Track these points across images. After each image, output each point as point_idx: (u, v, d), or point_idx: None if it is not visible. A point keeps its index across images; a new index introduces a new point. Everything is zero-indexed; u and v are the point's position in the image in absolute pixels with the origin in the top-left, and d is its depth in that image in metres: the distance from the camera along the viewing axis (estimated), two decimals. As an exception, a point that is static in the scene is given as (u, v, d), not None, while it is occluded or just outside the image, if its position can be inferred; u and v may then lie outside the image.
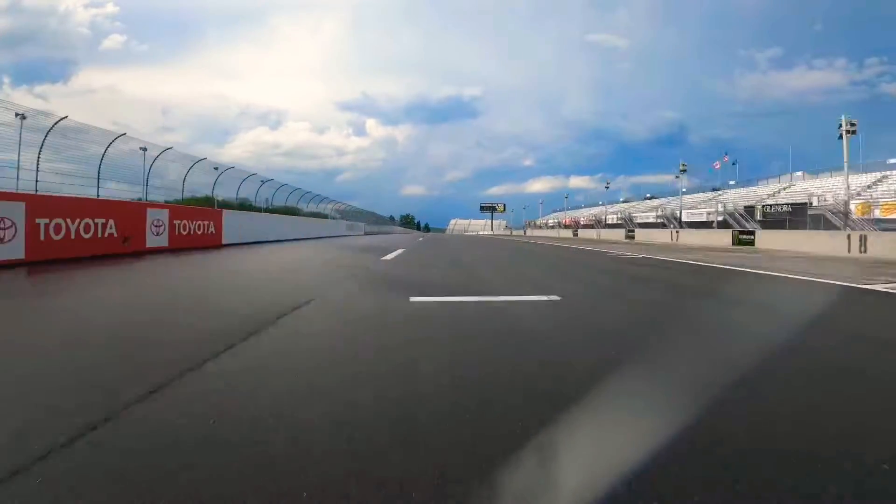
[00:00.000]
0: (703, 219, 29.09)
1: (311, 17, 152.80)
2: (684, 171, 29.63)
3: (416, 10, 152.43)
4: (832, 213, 22.21)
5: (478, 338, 1.89)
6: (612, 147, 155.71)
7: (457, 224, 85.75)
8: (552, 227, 48.14)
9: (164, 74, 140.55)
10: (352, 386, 1.29)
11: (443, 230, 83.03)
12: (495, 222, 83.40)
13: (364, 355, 1.64)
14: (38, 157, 7.00)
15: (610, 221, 38.69)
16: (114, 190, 8.33)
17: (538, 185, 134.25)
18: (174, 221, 7.83)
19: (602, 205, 47.03)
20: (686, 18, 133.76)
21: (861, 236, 10.65)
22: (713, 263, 6.34)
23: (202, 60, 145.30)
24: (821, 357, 1.69)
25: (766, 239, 14.64)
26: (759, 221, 25.72)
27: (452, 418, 1.07)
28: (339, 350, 1.71)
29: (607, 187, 42.95)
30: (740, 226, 25.75)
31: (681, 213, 30.23)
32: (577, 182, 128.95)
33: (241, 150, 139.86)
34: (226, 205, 12.21)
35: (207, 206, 10.53)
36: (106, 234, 6.23)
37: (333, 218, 24.46)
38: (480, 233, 62.46)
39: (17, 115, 6.65)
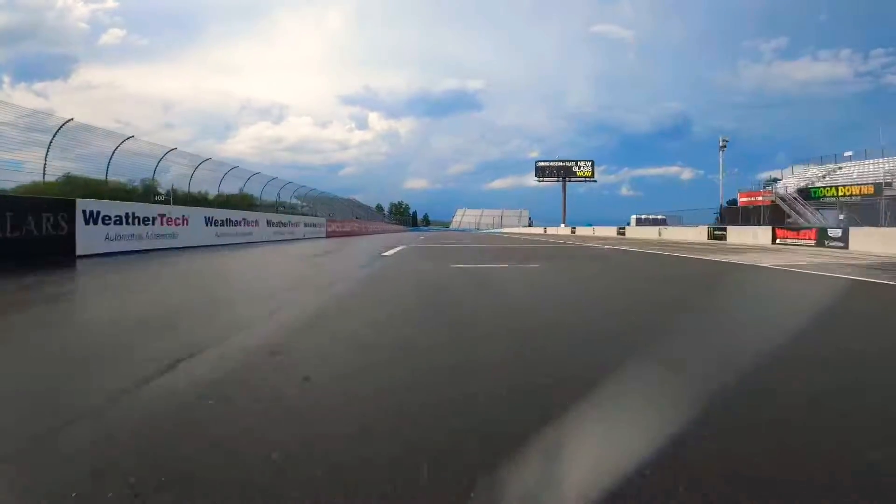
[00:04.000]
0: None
1: (313, 10, 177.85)
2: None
3: (418, 1, 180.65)
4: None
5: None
6: (615, 139, 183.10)
7: (465, 215, 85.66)
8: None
9: (164, 70, 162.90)
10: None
11: (447, 224, 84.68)
12: (506, 215, 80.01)
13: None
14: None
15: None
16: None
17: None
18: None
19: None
20: (691, 8, 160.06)
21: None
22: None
23: (203, 55, 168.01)
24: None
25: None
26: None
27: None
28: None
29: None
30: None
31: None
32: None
33: (244, 145, 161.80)
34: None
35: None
36: None
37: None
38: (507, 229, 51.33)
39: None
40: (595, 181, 61.19)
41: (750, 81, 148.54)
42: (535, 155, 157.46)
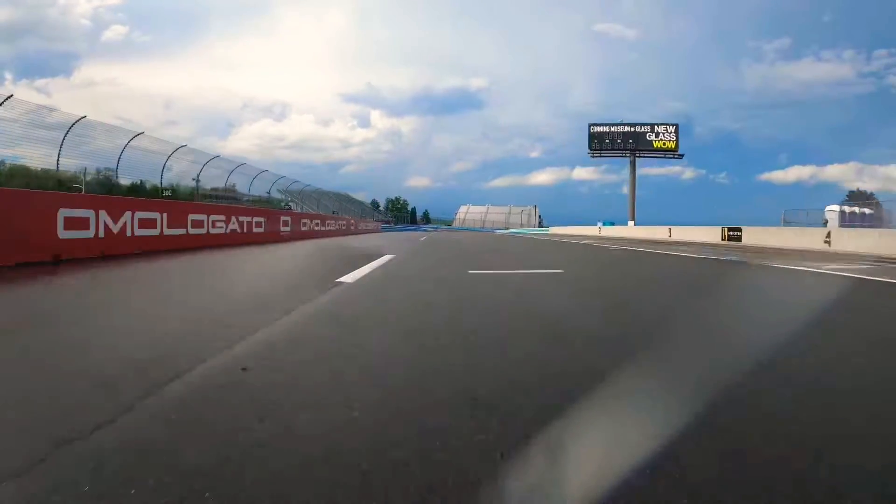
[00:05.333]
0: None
1: (316, 6, 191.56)
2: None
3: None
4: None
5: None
6: None
7: (469, 212, 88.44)
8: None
9: (166, 67, 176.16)
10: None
11: (449, 222, 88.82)
12: (513, 212, 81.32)
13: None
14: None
15: None
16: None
17: (542, 177, 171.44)
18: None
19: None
20: (694, 8, 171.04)
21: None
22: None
23: (204, 51, 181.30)
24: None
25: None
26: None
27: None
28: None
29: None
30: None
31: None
32: (580, 174, 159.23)
33: (246, 142, 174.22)
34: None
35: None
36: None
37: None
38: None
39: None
40: (680, 156, 47.24)
41: (752, 82, 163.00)
42: (536, 154, 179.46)
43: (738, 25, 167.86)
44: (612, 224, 39.20)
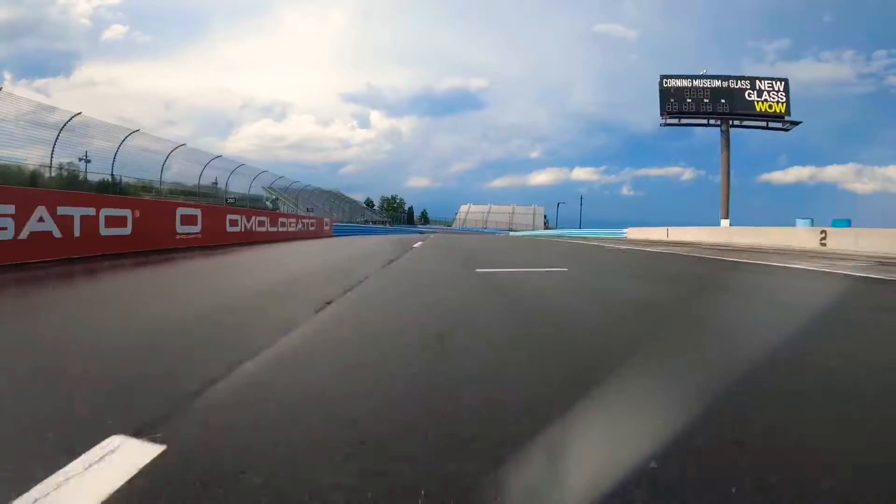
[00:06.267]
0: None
1: (316, 7, 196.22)
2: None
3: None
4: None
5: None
6: (618, 139, 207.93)
7: (470, 212, 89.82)
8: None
9: (166, 67, 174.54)
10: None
11: (448, 223, 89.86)
12: (517, 212, 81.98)
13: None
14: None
15: None
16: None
17: (541, 178, 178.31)
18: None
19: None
20: (695, 8, 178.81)
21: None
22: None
23: (205, 51, 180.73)
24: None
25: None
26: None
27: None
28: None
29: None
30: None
31: None
32: (580, 174, 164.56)
33: (245, 142, 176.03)
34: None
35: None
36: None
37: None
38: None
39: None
40: (789, 126, 34.58)
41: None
42: (536, 155, 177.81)
43: (738, 26, 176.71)
44: (848, 224, 21.34)
